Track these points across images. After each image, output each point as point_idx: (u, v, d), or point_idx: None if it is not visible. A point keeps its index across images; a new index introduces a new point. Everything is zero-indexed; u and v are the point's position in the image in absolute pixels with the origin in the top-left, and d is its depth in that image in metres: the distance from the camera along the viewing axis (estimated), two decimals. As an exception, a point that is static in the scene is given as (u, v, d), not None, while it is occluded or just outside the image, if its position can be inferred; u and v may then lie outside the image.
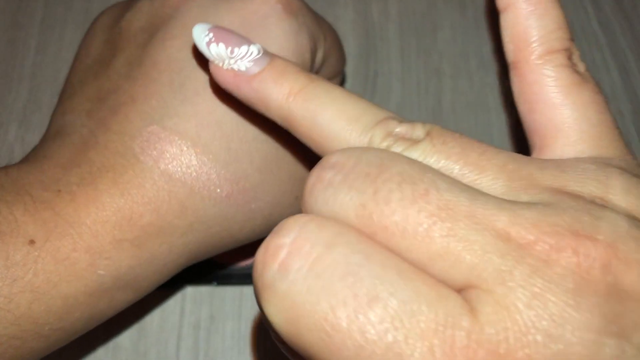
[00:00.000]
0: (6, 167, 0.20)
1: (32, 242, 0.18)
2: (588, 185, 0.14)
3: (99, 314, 0.21)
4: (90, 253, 0.19)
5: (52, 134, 0.22)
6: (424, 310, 0.12)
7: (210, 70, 0.19)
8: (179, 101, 0.20)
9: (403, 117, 0.36)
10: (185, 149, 0.20)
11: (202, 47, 0.19)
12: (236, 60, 0.18)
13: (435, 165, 0.14)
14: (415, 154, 0.15)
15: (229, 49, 0.18)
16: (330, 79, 0.26)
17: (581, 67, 0.17)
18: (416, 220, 0.13)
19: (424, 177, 0.13)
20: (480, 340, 0.12)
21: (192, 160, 0.20)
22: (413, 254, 0.13)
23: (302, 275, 0.13)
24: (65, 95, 0.23)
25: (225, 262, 0.31)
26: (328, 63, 0.24)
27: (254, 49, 0.18)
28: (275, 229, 0.14)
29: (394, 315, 0.12)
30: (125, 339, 0.31)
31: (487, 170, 0.14)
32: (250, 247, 0.31)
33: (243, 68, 0.18)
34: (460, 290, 0.13)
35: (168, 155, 0.20)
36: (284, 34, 0.21)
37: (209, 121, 0.20)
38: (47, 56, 0.38)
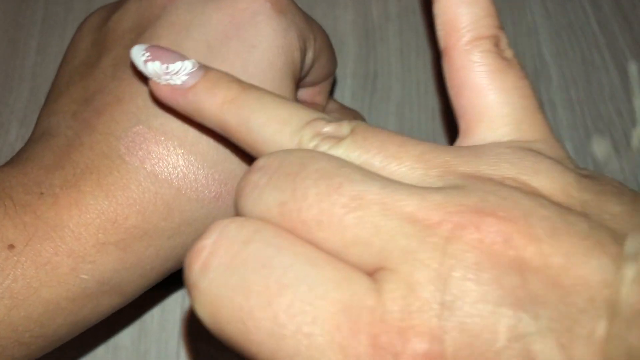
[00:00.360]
0: None
1: (11, 246, 0.18)
2: (500, 168, 0.15)
3: (83, 320, 0.20)
4: (72, 257, 0.19)
5: (37, 136, 0.21)
6: (331, 292, 0.13)
7: (149, 86, 0.19)
8: None
9: (403, 116, 0.36)
10: (172, 149, 0.20)
11: (140, 66, 0.19)
12: (171, 75, 0.18)
13: (357, 160, 0.15)
14: (340, 150, 0.15)
15: (164, 65, 0.18)
16: (321, 80, 0.26)
17: (508, 53, 0.18)
18: (330, 211, 0.14)
19: (340, 171, 0.14)
20: (383, 316, 0.12)
21: (178, 161, 0.20)
22: (329, 243, 0.14)
23: (220, 272, 0.14)
24: (51, 97, 0.23)
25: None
26: (319, 64, 0.24)
27: (188, 64, 0.18)
28: (203, 233, 0.15)
29: (302, 299, 0.13)
30: (126, 338, 0.31)
31: (405, 160, 0.15)
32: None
33: (179, 82, 0.18)
34: (372, 273, 0.13)
35: (154, 156, 0.20)
36: (273, 32, 0.21)
37: None
38: (47, 56, 0.38)
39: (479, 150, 0.16)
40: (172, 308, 0.31)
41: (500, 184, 0.14)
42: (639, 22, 0.39)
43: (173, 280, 0.31)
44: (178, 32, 0.21)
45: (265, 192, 0.15)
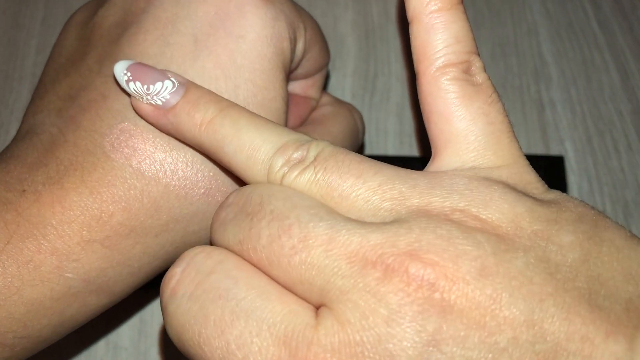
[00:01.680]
0: None
1: None
2: (451, 199, 0.15)
3: (70, 320, 0.20)
4: (56, 255, 0.18)
5: (22, 135, 0.21)
6: (277, 325, 0.14)
7: (132, 104, 0.19)
8: None
9: (403, 116, 0.36)
10: (159, 146, 0.20)
11: (123, 85, 0.19)
12: (152, 96, 0.19)
13: (319, 192, 0.16)
14: (303, 179, 0.16)
15: (145, 86, 0.18)
16: (314, 73, 0.25)
17: (480, 77, 0.18)
18: (280, 252, 0.15)
19: (291, 213, 0.15)
20: (317, 350, 0.14)
21: (166, 158, 0.20)
22: (281, 279, 0.15)
23: (185, 300, 0.16)
24: (36, 94, 0.22)
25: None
26: (310, 55, 0.24)
27: (168, 84, 0.19)
28: (177, 260, 0.17)
29: (251, 331, 0.14)
30: (126, 338, 0.31)
31: (361, 194, 0.16)
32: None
33: (160, 102, 0.19)
34: (318, 307, 0.15)
35: (141, 153, 0.19)
36: (260, 22, 0.20)
37: None
38: (47, 56, 0.38)
39: (436, 179, 0.16)
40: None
41: (444, 219, 0.15)
42: (639, 22, 0.39)
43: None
44: (164, 26, 0.20)
45: (229, 228, 0.16)
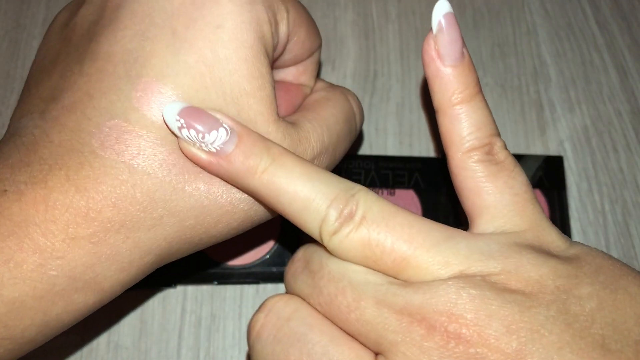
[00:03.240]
0: None
1: None
2: (487, 265, 0.18)
3: (55, 320, 0.19)
4: (39, 253, 0.18)
5: (6, 138, 0.21)
6: None
7: (181, 148, 0.20)
8: (140, 94, 0.19)
9: (403, 116, 0.36)
10: (154, 141, 0.19)
11: (175, 131, 0.19)
12: (207, 144, 0.19)
13: (368, 254, 0.19)
14: (355, 240, 0.18)
15: (200, 135, 0.19)
16: (304, 58, 0.25)
17: (501, 155, 0.21)
18: (339, 310, 0.18)
19: (345, 276, 0.19)
20: None
21: (162, 153, 0.19)
22: (344, 330, 0.19)
23: (269, 341, 0.19)
24: (21, 98, 0.22)
25: (224, 261, 0.32)
26: (297, 38, 0.23)
27: (222, 133, 0.19)
28: (260, 305, 0.20)
29: None
30: (127, 337, 0.31)
31: (411, 261, 0.18)
32: (248, 246, 0.32)
33: (213, 150, 0.19)
34: (377, 354, 0.18)
35: (134, 149, 0.19)
36: (237, 7, 0.20)
37: None
38: (48, 57, 0.39)
39: (475, 244, 0.19)
40: (173, 308, 0.31)
41: (479, 281, 0.18)
42: (638, 22, 0.39)
43: (174, 278, 0.31)
44: (141, 20, 0.20)
45: (299, 281, 0.20)
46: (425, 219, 0.19)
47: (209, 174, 0.20)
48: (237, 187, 0.20)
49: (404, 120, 0.36)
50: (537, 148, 0.35)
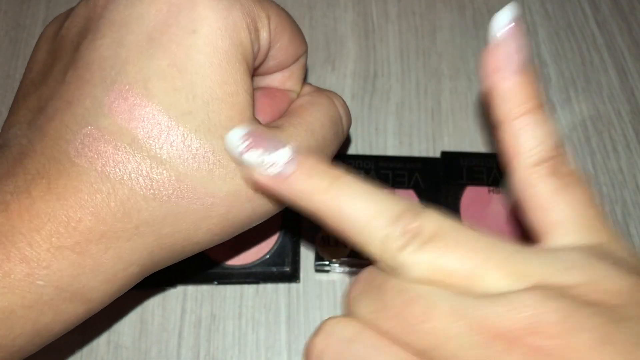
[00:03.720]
0: None
1: None
2: (572, 275, 0.17)
3: (45, 329, 0.20)
4: (26, 262, 0.18)
5: None
6: None
7: (242, 174, 0.20)
8: (111, 100, 0.19)
9: (403, 116, 0.37)
10: (121, 147, 0.19)
11: (235, 157, 0.20)
12: (268, 167, 0.19)
13: (437, 274, 0.17)
14: (424, 257, 0.17)
15: (261, 158, 0.19)
16: (289, 64, 0.25)
17: (566, 169, 0.20)
18: (407, 321, 0.17)
19: (413, 289, 0.17)
20: None
21: (129, 159, 0.19)
22: (412, 346, 0.17)
23: None
24: (10, 110, 0.22)
25: (224, 261, 0.32)
26: (280, 45, 0.23)
27: (284, 154, 0.19)
28: (318, 328, 0.18)
29: None
30: (127, 337, 0.31)
31: (484, 274, 0.17)
32: (247, 246, 0.32)
33: (274, 172, 0.19)
34: None
35: (104, 156, 0.19)
36: (213, 14, 0.20)
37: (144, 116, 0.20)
38: (48, 57, 0.39)
39: (551, 255, 0.18)
40: (173, 308, 0.31)
41: (559, 293, 0.16)
42: (637, 22, 0.39)
43: (174, 278, 0.31)
44: (118, 29, 0.20)
45: (361, 301, 0.18)
46: (492, 235, 0.18)
47: (172, 183, 0.20)
48: (296, 208, 0.20)
49: (404, 120, 0.36)
50: (537, 148, 0.35)
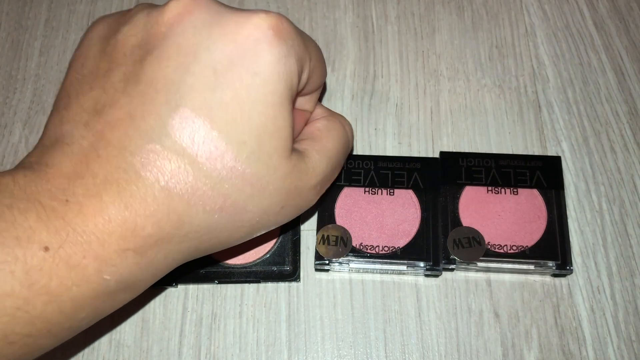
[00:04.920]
0: (12, 174, 0.21)
1: (46, 248, 0.20)
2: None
3: (101, 313, 0.23)
4: (98, 261, 0.21)
5: (50, 142, 0.23)
6: None
7: None
8: (176, 122, 0.21)
9: (402, 117, 0.37)
10: (182, 166, 0.21)
11: None
12: None
13: None
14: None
15: None
16: (312, 92, 0.27)
17: None
18: None
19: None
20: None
21: (188, 177, 0.21)
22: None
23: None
24: (61, 104, 0.24)
25: (228, 263, 0.32)
26: (311, 80, 0.26)
27: None
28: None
29: None
30: (128, 336, 0.31)
31: None
32: (247, 246, 0.32)
33: None
34: None
35: (167, 173, 0.21)
36: (274, 59, 0.22)
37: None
38: (50, 58, 0.39)
39: None
40: (174, 307, 0.32)
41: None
42: (635, 23, 0.39)
43: (175, 277, 0.31)
44: (186, 55, 0.22)
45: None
46: None
47: (220, 199, 0.22)
48: None
49: (403, 120, 0.36)
50: (535, 148, 0.36)
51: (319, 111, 0.29)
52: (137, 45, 0.23)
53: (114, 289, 0.22)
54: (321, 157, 0.26)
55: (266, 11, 0.23)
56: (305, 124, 0.28)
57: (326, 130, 0.27)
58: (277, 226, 0.26)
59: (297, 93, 0.25)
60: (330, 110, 0.29)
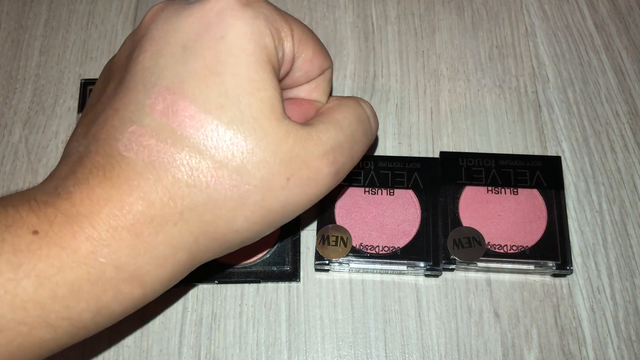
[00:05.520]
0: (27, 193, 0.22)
1: (35, 232, 0.20)
2: None
3: (106, 308, 0.22)
4: (90, 241, 0.20)
5: (60, 162, 0.24)
6: None
7: None
8: (152, 100, 0.22)
9: (402, 117, 0.37)
10: (163, 140, 0.21)
11: None
12: None
13: None
14: None
15: None
16: (315, 76, 0.26)
17: None
18: None
19: None
20: None
21: (169, 150, 0.21)
22: None
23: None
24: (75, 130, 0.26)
25: (229, 262, 0.32)
26: (305, 56, 0.25)
27: None
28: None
29: None
30: (129, 336, 0.31)
31: None
32: (252, 246, 0.32)
33: None
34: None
35: (148, 149, 0.21)
36: (239, 21, 0.22)
37: None
38: (50, 58, 0.39)
39: None
40: (174, 306, 0.32)
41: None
42: (635, 24, 0.39)
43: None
44: (157, 42, 0.23)
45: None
46: None
47: (211, 171, 0.21)
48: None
49: (403, 120, 0.36)
50: (536, 148, 0.36)
51: (332, 103, 0.27)
52: (124, 57, 0.24)
53: (114, 275, 0.21)
54: (327, 126, 0.24)
55: None
56: (317, 109, 0.27)
57: (336, 106, 0.26)
58: (296, 209, 0.24)
59: (284, 67, 0.25)
60: (343, 97, 0.28)
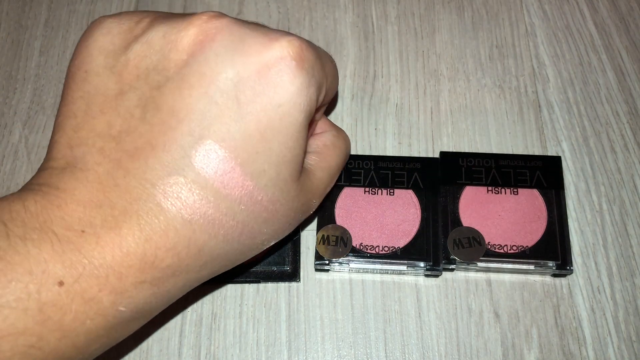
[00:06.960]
0: (22, 199, 0.20)
1: (61, 283, 0.19)
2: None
3: (113, 342, 0.22)
4: (114, 293, 0.20)
5: (60, 165, 0.21)
6: None
7: None
8: (200, 153, 0.21)
9: (402, 117, 0.37)
10: (205, 198, 0.21)
11: None
12: None
13: None
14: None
15: None
16: (324, 105, 0.28)
17: None
18: None
19: None
20: None
21: (211, 209, 0.21)
22: None
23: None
24: (67, 124, 0.22)
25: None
26: (326, 97, 0.26)
27: None
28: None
29: None
30: (129, 336, 0.31)
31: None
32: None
33: None
34: None
35: (190, 205, 0.21)
36: (297, 91, 0.22)
37: None
38: (50, 58, 0.39)
39: None
40: (174, 307, 0.32)
41: None
42: (635, 23, 0.39)
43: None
44: (209, 84, 0.21)
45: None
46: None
47: (239, 227, 0.22)
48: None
49: (403, 120, 0.36)
50: (536, 148, 0.36)
51: (323, 124, 0.29)
52: (152, 68, 0.22)
53: (128, 319, 0.21)
54: (325, 175, 0.27)
55: (289, 37, 0.22)
56: (311, 131, 0.28)
57: (332, 146, 0.28)
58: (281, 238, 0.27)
59: (314, 115, 0.26)
60: (331, 122, 0.30)
